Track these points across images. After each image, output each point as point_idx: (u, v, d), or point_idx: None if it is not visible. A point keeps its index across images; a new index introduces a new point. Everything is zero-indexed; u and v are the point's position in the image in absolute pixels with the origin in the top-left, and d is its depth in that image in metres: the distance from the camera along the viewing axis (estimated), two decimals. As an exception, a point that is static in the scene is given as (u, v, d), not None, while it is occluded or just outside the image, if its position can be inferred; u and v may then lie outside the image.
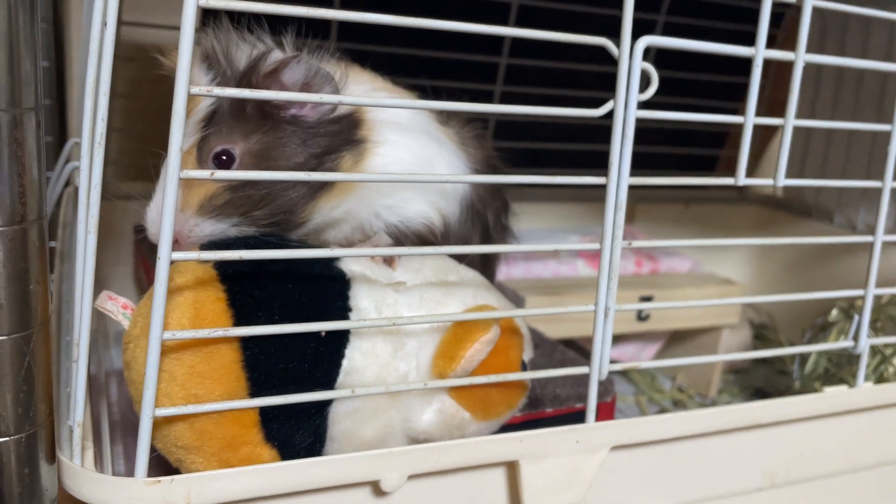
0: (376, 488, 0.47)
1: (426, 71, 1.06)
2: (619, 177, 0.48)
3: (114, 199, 0.94)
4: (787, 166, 1.14)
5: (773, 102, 1.22)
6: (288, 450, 0.45)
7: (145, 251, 0.82)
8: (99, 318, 0.87)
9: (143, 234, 0.89)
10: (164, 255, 0.39)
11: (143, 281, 0.84)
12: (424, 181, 0.52)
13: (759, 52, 0.50)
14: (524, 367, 0.54)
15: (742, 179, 0.53)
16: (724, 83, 1.22)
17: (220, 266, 0.45)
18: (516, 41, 1.06)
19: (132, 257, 0.92)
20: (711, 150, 1.30)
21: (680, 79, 1.15)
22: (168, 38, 0.95)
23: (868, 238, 0.59)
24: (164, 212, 0.39)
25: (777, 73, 1.21)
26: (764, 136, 1.25)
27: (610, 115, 0.47)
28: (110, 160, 0.95)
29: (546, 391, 0.63)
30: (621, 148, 0.48)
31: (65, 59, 0.95)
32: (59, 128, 0.95)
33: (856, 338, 0.61)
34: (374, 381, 0.47)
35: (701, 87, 1.18)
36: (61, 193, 0.84)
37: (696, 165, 1.30)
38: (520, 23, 1.03)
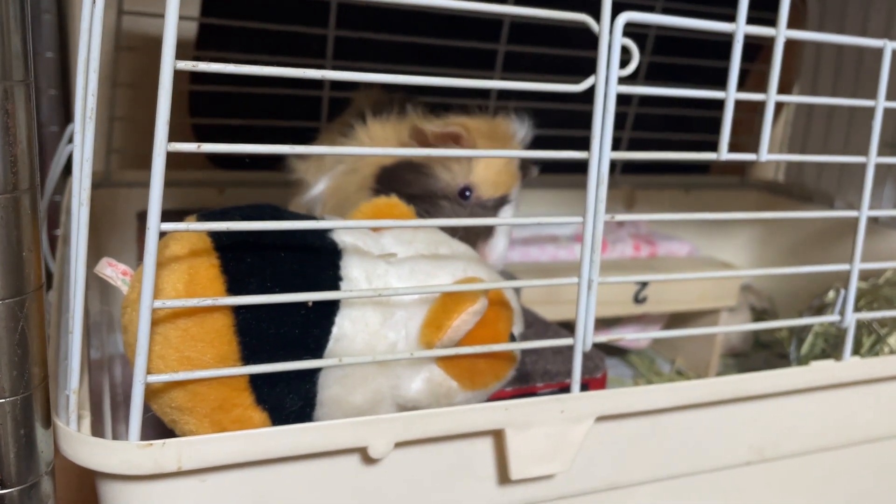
0: (364, 455, 0.48)
1: (424, 58, 1.07)
2: (601, 151, 0.49)
3: (118, 187, 0.96)
4: (788, 149, 1.14)
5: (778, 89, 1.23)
6: (278, 413, 0.47)
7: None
8: (103, 302, 0.89)
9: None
10: (153, 225, 0.41)
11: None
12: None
13: (740, 29, 0.51)
14: (513, 341, 0.55)
15: (724, 154, 0.54)
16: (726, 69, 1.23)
17: (215, 234, 0.47)
18: (514, 29, 1.06)
19: (136, 244, 0.94)
20: (711, 136, 1.30)
21: (685, 65, 1.15)
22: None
23: (853, 213, 0.60)
24: (153, 183, 0.40)
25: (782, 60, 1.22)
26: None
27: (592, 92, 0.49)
28: (114, 149, 0.97)
29: (537, 367, 0.64)
30: (602, 123, 0.49)
31: (69, 50, 0.97)
32: (64, 117, 0.97)
33: (842, 312, 0.61)
34: (363, 349, 0.48)
35: (704, 73, 1.19)
36: (66, 181, 0.86)
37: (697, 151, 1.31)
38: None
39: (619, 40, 0.48)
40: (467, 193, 0.62)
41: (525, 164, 0.68)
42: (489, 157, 0.62)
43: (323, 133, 0.77)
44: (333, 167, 0.66)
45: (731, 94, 0.52)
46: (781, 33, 0.52)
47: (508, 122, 0.66)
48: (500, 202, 0.63)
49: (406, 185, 0.62)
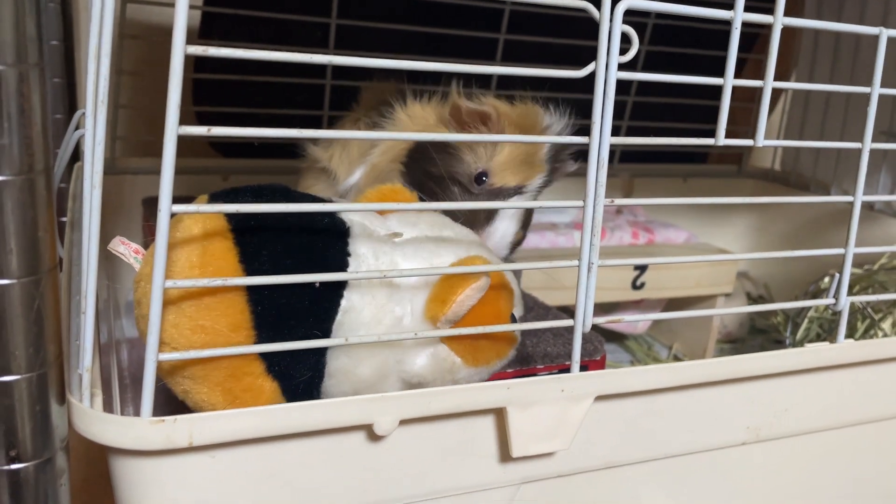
0: (370, 432, 0.49)
1: (424, 49, 1.08)
2: (601, 136, 0.50)
3: (122, 175, 0.97)
4: (785, 138, 1.15)
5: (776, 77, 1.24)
6: (287, 382, 0.48)
7: (154, 223, 0.85)
8: (110, 289, 0.90)
9: (152, 206, 0.91)
10: (165, 207, 0.42)
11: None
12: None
13: (738, 15, 0.52)
14: (514, 321, 0.56)
15: (721, 140, 0.55)
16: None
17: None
18: (514, 17, 1.07)
19: (141, 230, 0.95)
20: (709, 125, 1.31)
21: (683, 56, 1.16)
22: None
23: (848, 198, 0.61)
24: (164, 166, 0.41)
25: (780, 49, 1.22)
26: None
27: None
28: (118, 136, 0.98)
29: (537, 349, 0.66)
30: (602, 108, 0.50)
31: (73, 39, 0.97)
32: (69, 106, 0.98)
33: (836, 296, 0.63)
34: (370, 322, 0.50)
35: (702, 63, 1.19)
36: (71, 168, 0.87)
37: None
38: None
39: (620, 27, 0.49)
40: (483, 178, 0.63)
41: (559, 157, 0.67)
42: (496, 140, 0.63)
43: (342, 123, 0.78)
44: (366, 153, 0.66)
45: (729, 81, 0.53)
46: (779, 20, 0.53)
47: (540, 113, 0.66)
48: (514, 192, 0.64)
49: (431, 163, 0.63)
